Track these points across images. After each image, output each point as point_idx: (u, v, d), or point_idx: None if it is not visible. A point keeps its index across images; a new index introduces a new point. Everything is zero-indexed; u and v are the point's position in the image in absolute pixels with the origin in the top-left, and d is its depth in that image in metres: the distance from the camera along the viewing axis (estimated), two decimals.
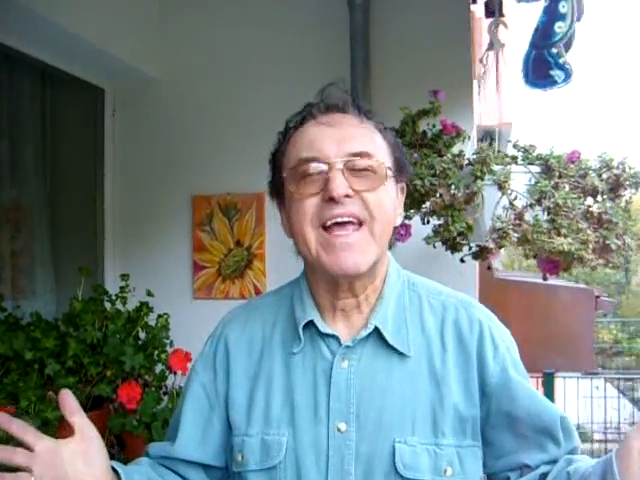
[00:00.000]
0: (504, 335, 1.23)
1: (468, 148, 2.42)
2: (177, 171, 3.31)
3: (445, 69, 2.94)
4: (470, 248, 2.33)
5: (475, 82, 3.08)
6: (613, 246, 1.97)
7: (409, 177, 1.29)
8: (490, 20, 3.19)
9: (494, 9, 3.12)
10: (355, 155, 1.12)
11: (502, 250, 2.42)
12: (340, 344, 1.17)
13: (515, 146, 2.32)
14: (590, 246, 1.84)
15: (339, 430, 1.13)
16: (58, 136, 3.38)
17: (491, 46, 2.54)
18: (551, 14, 1.59)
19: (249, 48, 3.25)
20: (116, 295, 2.65)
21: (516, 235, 1.92)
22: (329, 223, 1.11)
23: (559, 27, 1.59)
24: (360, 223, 1.12)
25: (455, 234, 1.96)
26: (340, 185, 1.09)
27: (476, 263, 2.76)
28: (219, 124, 3.28)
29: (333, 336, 1.18)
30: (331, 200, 1.10)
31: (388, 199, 1.16)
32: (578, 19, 1.58)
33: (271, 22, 3.22)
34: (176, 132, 3.32)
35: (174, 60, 3.33)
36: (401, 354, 1.17)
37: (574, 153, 2.04)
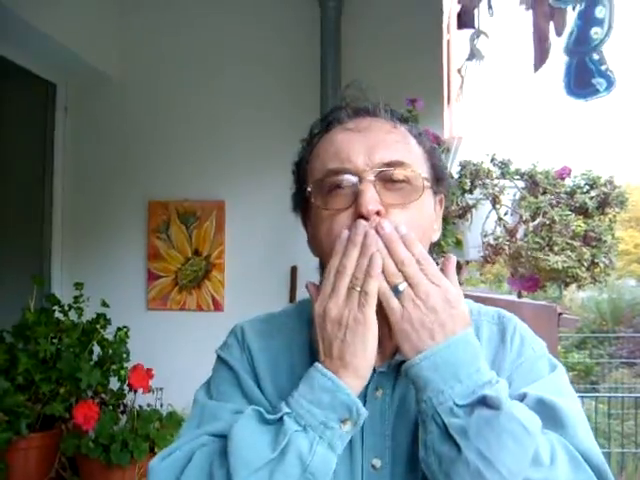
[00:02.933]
0: (537, 344, 1.09)
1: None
2: (132, 174, 3.13)
3: (417, 77, 2.86)
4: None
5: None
6: (601, 264, 1.93)
7: (449, 188, 1.18)
8: (456, 31, 3.14)
9: (467, 20, 3.10)
10: (388, 165, 1.00)
11: None
12: (374, 370, 1.04)
13: (493, 160, 2.28)
14: (585, 264, 1.79)
15: (374, 467, 1.01)
16: (3, 130, 3.15)
17: (472, 56, 2.48)
18: (587, 19, 1.53)
19: (212, 48, 3.10)
20: (69, 305, 2.44)
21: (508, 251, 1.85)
22: None
23: (595, 33, 1.53)
24: None
25: (445, 249, 1.88)
26: (370, 200, 0.97)
27: None
28: (178, 127, 3.12)
29: None
30: (361, 217, 0.97)
31: (423, 215, 1.04)
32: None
33: (236, 23, 3.09)
34: (132, 133, 3.14)
35: (132, 58, 3.16)
36: None
37: (564, 169, 2.00)
